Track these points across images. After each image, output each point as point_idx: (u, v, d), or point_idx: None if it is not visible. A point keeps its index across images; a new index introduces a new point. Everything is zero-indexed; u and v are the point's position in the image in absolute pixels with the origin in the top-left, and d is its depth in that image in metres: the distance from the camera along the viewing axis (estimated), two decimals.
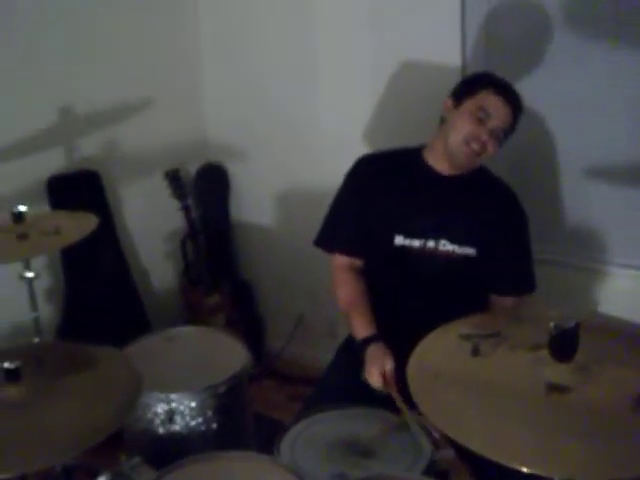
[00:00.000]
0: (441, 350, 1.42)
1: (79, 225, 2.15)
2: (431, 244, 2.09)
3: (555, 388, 1.21)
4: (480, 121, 2.03)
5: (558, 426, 1.15)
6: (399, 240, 2.11)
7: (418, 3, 2.67)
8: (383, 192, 2.15)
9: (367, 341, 2.02)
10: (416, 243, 2.10)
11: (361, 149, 2.90)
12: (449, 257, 2.09)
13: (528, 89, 2.54)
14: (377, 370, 1.93)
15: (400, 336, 1.77)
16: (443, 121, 2.13)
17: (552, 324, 1.26)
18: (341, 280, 2.21)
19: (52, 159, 2.84)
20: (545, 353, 1.29)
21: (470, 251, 2.09)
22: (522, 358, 1.32)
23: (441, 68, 2.61)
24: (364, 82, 2.88)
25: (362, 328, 2.07)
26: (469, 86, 2.11)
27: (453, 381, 1.29)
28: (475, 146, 2.03)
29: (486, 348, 1.36)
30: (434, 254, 2.09)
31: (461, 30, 2.60)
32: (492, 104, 2.03)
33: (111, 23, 2.94)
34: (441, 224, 2.09)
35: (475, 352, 1.35)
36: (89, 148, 2.95)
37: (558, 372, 1.27)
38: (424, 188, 2.14)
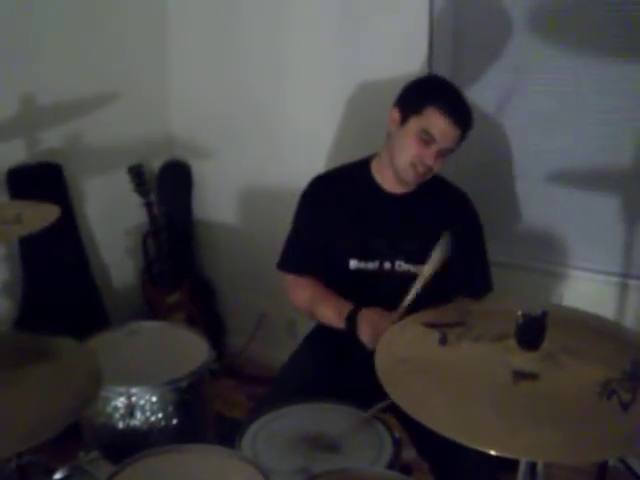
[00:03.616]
0: (409, 339, 1.43)
1: (41, 214, 2.10)
2: (387, 265, 2.10)
3: (522, 375, 1.23)
4: (426, 143, 1.97)
5: (526, 412, 1.17)
6: (354, 264, 2.11)
7: (386, 7, 2.70)
8: (336, 216, 2.14)
9: (355, 311, 2.00)
10: (371, 265, 2.10)
11: (329, 147, 2.93)
12: (406, 276, 2.06)
13: (493, 96, 2.59)
14: (370, 328, 1.92)
15: (364, 356, 1.72)
16: (389, 135, 2.09)
17: (520, 312, 1.28)
18: (299, 285, 2.20)
19: (13, 150, 2.78)
20: (511, 342, 1.31)
21: None
22: (489, 347, 1.33)
23: (408, 74, 2.63)
24: (333, 80, 2.89)
25: (342, 308, 2.04)
26: (414, 100, 2.02)
27: (422, 368, 1.30)
28: (421, 169, 2.01)
29: (452, 337, 1.37)
30: (391, 275, 2.09)
31: (428, 40, 2.63)
32: (439, 127, 1.95)
33: (78, 15, 2.90)
34: (395, 245, 2.09)
35: (443, 341, 1.36)
36: (52, 140, 2.89)
37: (525, 360, 1.28)
38: (376, 210, 2.13)
